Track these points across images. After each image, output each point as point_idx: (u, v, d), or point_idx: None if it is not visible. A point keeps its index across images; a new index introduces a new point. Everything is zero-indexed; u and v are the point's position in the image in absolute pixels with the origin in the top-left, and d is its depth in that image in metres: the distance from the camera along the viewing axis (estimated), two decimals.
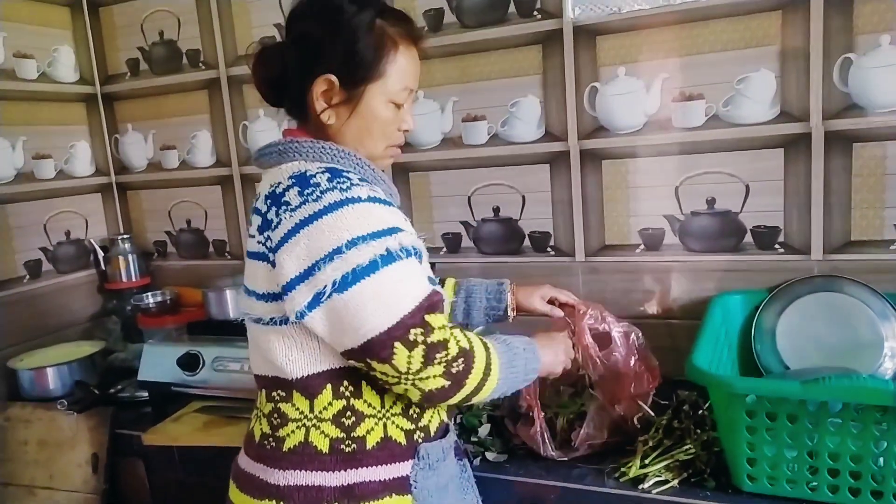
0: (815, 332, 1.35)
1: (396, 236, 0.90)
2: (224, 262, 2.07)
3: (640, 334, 1.31)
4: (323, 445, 0.94)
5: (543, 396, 1.31)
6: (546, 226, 1.64)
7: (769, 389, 0.99)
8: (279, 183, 0.94)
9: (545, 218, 1.63)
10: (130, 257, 2.09)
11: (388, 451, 0.96)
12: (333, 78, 0.95)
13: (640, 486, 1.11)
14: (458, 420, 1.30)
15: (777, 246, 1.45)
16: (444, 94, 1.67)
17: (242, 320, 1.05)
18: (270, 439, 0.98)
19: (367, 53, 0.95)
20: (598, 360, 1.25)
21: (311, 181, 0.92)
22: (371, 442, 0.95)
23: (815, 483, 1.01)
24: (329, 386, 0.95)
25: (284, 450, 0.96)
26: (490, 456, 1.25)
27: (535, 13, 1.56)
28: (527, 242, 1.66)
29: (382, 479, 0.95)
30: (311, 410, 0.95)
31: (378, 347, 0.87)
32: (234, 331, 1.71)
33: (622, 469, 1.15)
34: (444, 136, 1.69)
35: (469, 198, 1.70)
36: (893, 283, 1.34)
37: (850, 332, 1.32)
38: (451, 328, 0.92)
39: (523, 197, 1.65)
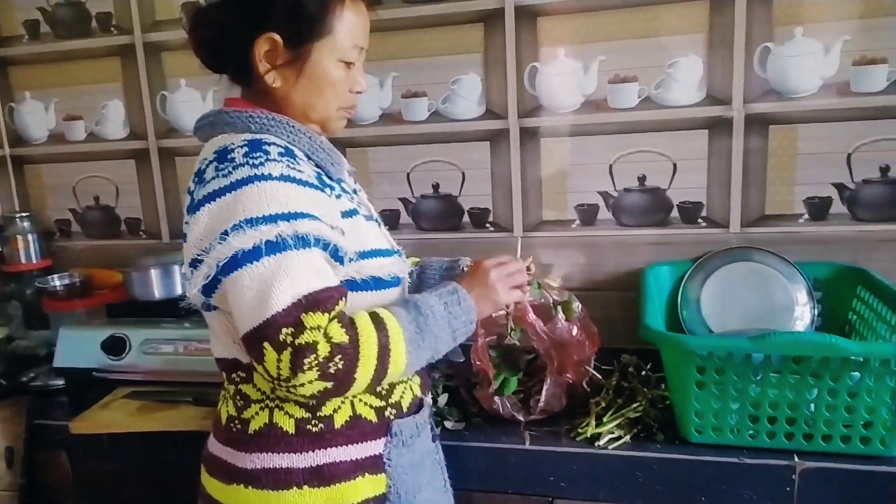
0: (735, 299, 1.47)
1: (294, 223, 0.82)
2: (138, 241, 1.95)
3: (580, 304, 1.38)
4: (288, 426, 0.91)
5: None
6: (485, 202, 1.67)
7: (721, 346, 1.08)
8: (205, 158, 0.90)
9: (485, 194, 1.67)
10: (30, 237, 1.91)
11: (358, 430, 0.93)
12: (276, 37, 0.90)
13: (597, 444, 1.17)
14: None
15: (700, 220, 1.56)
16: (384, 70, 1.65)
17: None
18: (236, 422, 0.94)
19: (311, 8, 0.90)
20: (543, 335, 1.30)
21: (229, 156, 0.86)
22: (339, 421, 0.92)
23: (753, 431, 1.11)
24: None
25: (250, 432, 0.93)
26: (449, 424, 1.27)
27: None
28: (466, 218, 1.69)
29: (354, 459, 0.92)
30: (273, 390, 0.91)
31: (251, 345, 0.81)
32: (160, 312, 1.63)
33: (578, 430, 1.21)
34: (384, 111, 1.68)
35: (408, 174, 1.70)
36: (802, 253, 1.48)
37: (765, 297, 1.45)
38: (326, 326, 0.82)
39: (463, 174, 1.67)
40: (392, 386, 0.97)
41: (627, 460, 1.15)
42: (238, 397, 0.94)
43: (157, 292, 1.65)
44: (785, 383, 1.07)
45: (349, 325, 0.85)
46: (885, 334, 1.24)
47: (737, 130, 1.49)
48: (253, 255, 0.81)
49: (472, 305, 0.96)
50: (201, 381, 1.43)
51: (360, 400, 0.94)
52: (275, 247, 0.81)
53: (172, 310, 1.60)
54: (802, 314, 1.44)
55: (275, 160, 0.86)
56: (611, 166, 1.58)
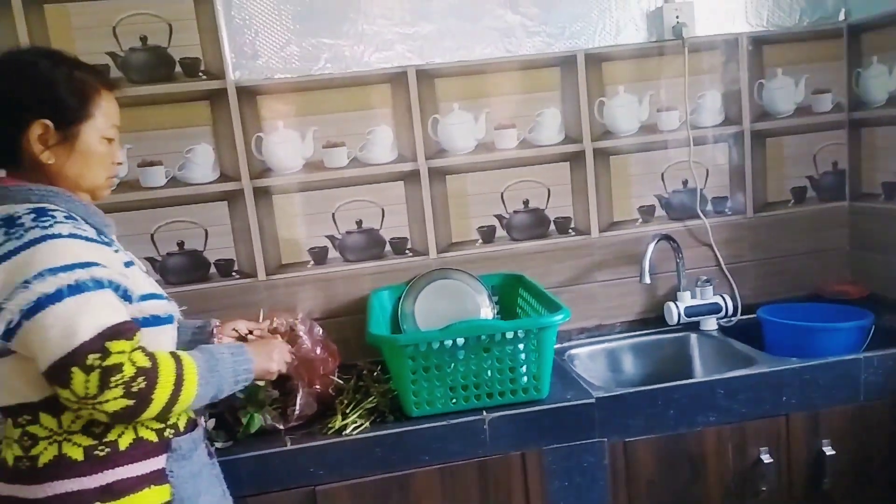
0: (439, 309, 1.88)
1: (89, 269, 1.01)
2: None
3: (321, 329, 1.70)
4: (77, 455, 1.06)
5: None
6: (229, 254, 1.90)
7: (421, 338, 1.47)
8: None
9: (228, 247, 1.90)
10: None
11: (141, 450, 1.10)
12: (48, 122, 1.09)
13: (344, 433, 1.47)
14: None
15: (407, 251, 1.99)
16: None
17: None
18: (24, 460, 1.06)
19: (73, 99, 1.11)
20: (292, 356, 1.58)
21: (17, 221, 1.03)
22: (123, 444, 1.09)
23: (454, 398, 1.52)
24: None
25: (40, 466, 1.05)
26: (219, 444, 1.47)
27: (201, 74, 1.83)
28: (213, 270, 1.90)
29: (139, 474, 1.09)
30: (60, 426, 1.06)
31: (58, 372, 0.97)
32: None
33: (328, 426, 1.51)
34: (121, 179, 1.82)
35: (152, 235, 1.86)
36: (481, 268, 1.97)
37: (460, 305, 1.89)
38: (130, 352, 1.01)
39: (205, 231, 1.88)
40: None
41: (369, 441, 1.47)
42: (25, 437, 1.06)
43: None
44: (469, 360, 1.49)
45: (150, 355, 1.05)
46: None
47: (424, 181, 1.95)
48: (55, 297, 0.98)
49: (252, 359, 1.23)
50: None
51: (143, 425, 1.11)
52: (75, 289, 0.99)
53: None
54: (487, 314, 1.91)
55: (61, 222, 1.05)
56: (333, 214, 1.93)
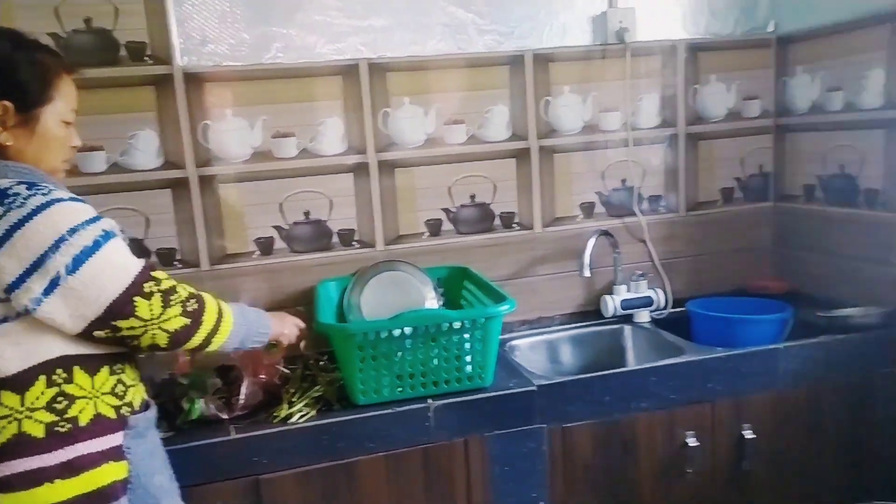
0: (385, 300, 1.90)
1: (106, 221, 1.12)
2: None
3: None
4: (38, 432, 1.07)
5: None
6: (171, 242, 1.87)
7: (371, 327, 1.50)
8: None
9: (170, 236, 1.87)
10: None
11: (101, 426, 1.12)
12: (8, 104, 1.10)
13: (290, 422, 1.49)
14: None
15: (355, 242, 2.00)
16: None
17: None
18: None
19: (35, 81, 1.13)
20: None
21: (9, 192, 1.06)
22: (84, 420, 1.11)
23: (401, 387, 1.55)
24: (42, 377, 1.07)
25: None
26: (160, 434, 1.45)
27: (147, 58, 1.80)
28: (154, 258, 1.87)
29: (99, 450, 1.12)
30: (22, 404, 1.06)
31: (120, 307, 1.07)
32: None
33: (274, 414, 1.52)
34: None
35: None
36: (427, 261, 2.00)
37: (405, 297, 1.91)
38: (176, 281, 1.16)
39: (147, 219, 1.85)
40: (126, 388, 1.17)
41: (315, 429, 1.49)
42: None
43: None
44: (416, 349, 1.53)
45: (191, 285, 1.19)
46: None
47: (373, 173, 1.97)
48: (94, 247, 1.06)
49: (271, 318, 1.39)
50: None
51: (102, 401, 1.13)
52: (106, 237, 1.09)
53: None
54: (432, 305, 1.95)
55: (55, 190, 1.09)
56: (281, 205, 1.93)
